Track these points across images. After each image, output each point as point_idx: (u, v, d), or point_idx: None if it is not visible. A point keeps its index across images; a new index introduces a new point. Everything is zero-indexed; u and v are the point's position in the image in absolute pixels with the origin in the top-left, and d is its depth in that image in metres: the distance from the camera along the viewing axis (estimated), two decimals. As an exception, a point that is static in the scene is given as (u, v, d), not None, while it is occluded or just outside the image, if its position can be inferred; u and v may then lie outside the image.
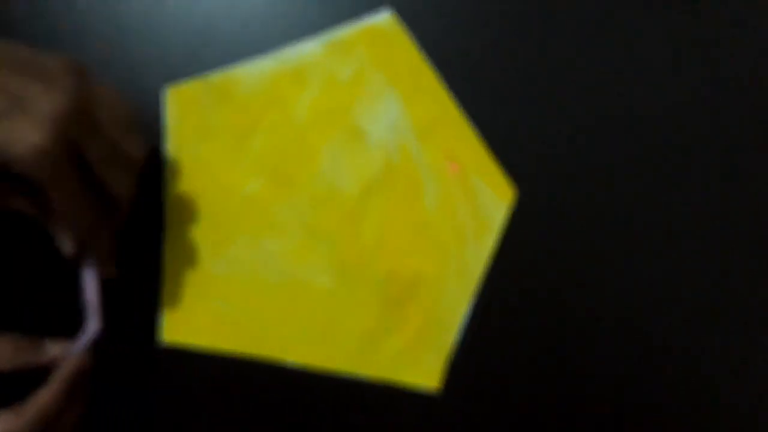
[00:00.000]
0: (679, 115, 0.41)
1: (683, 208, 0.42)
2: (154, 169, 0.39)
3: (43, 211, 0.33)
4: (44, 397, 0.33)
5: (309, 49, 0.40)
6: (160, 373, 0.40)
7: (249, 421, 0.41)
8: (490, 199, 0.41)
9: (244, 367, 0.40)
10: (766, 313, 0.42)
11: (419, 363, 0.41)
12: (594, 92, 0.41)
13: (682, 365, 0.42)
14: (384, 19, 0.40)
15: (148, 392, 0.40)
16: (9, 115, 0.27)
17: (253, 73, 0.40)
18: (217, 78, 0.40)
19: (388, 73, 0.40)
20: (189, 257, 0.40)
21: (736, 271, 0.42)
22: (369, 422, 0.41)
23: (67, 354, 0.34)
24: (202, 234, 0.40)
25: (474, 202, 0.41)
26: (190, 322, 0.40)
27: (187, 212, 0.40)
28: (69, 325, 0.39)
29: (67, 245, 0.33)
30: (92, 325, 0.36)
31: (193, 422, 0.41)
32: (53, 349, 0.35)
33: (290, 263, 0.40)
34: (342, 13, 0.40)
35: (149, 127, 0.39)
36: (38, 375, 0.35)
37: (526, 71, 0.41)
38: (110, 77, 0.39)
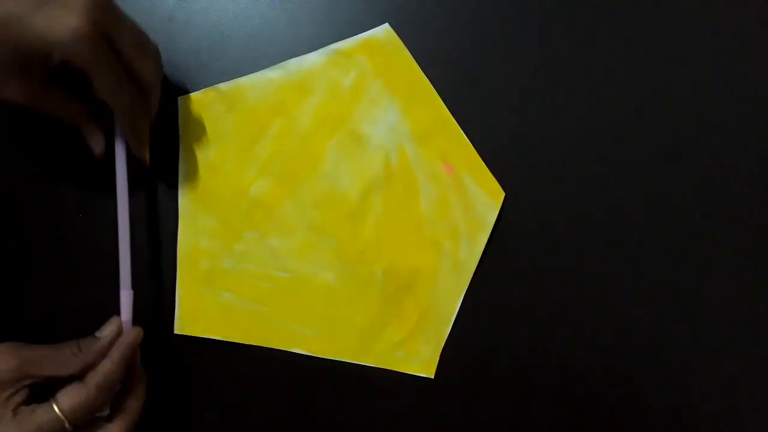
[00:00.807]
0: (665, 118, 0.42)
1: (666, 207, 0.42)
2: (168, 172, 0.41)
3: (80, 111, 0.36)
4: (105, 366, 0.34)
5: (313, 60, 0.41)
6: (175, 359, 0.42)
7: (258, 402, 0.42)
8: (482, 199, 0.41)
9: (253, 351, 0.41)
10: (750, 308, 0.43)
11: (416, 353, 0.42)
12: (580, 99, 0.42)
13: (663, 352, 0.43)
14: (383, 32, 0.41)
15: (164, 377, 0.41)
16: (47, 5, 0.30)
17: (260, 82, 0.40)
18: (227, 88, 0.40)
19: (387, 82, 0.41)
20: (200, 254, 0.41)
21: (720, 267, 0.43)
22: (369, 403, 0.42)
23: (119, 325, 0.36)
24: (213, 232, 0.41)
25: (467, 202, 0.41)
26: (202, 316, 0.41)
27: (199, 212, 0.41)
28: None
29: (99, 143, 0.36)
30: (125, 295, 0.37)
31: (207, 403, 0.42)
32: (108, 326, 0.36)
33: (295, 260, 0.41)
34: (344, 26, 0.41)
35: (163, 133, 0.40)
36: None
37: (516, 80, 0.42)
38: None
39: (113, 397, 0.35)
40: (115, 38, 0.32)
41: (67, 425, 0.33)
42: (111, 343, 0.35)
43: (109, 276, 0.40)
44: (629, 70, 0.42)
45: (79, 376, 0.34)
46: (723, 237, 0.43)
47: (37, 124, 0.40)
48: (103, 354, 0.35)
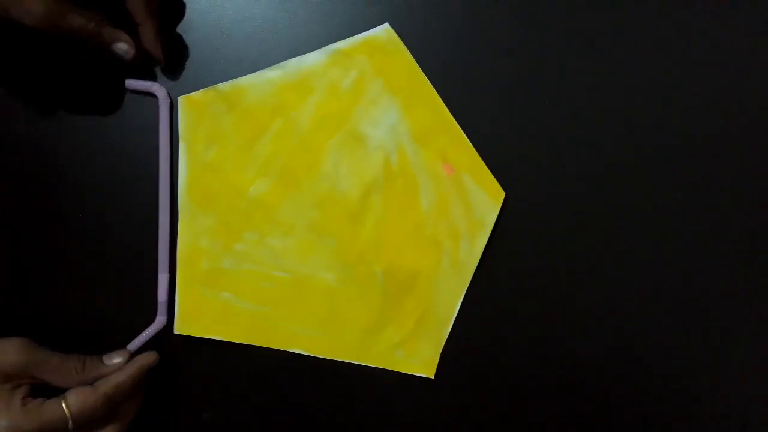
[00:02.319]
0: (662, 119, 0.42)
1: (667, 207, 0.42)
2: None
3: (100, 21, 0.37)
4: (118, 378, 0.36)
5: (313, 60, 0.41)
6: (175, 359, 0.41)
7: (258, 402, 0.42)
8: (482, 199, 0.41)
9: (253, 352, 0.42)
10: (746, 310, 0.43)
11: (416, 353, 0.42)
12: (580, 100, 0.42)
13: (664, 352, 0.43)
14: (383, 31, 0.41)
15: (164, 377, 0.41)
16: None
17: (260, 82, 0.40)
18: (227, 87, 0.40)
19: (387, 82, 0.41)
20: (200, 254, 0.41)
21: (721, 267, 0.43)
22: (369, 404, 0.43)
23: (128, 357, 0.38)
24: (213, 232, 0.41)
25: (467, 202, 0.42)
26: (202, 316, 0.41)
27: (199, 212, 0.41)
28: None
29: (128, 41, 0.37)
30: (161, 319, 0.40)
31: (207, 403, 0.42)
32: (118, 355, 0.37)
33: (295, 260, 0.41)
34: (344, 26, 0.41)
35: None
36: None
37: (517, 80, 0.42)
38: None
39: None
40: None
41: (70, 424, 0.34)
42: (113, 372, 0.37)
43: (109, 277, 0.41)
44: (629, 70, 0.42)
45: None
46: (723, 237, 0.43)
47: (37, 122, 0.41)
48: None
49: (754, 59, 0.42)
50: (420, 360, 0.42)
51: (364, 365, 0.42)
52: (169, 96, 0.40)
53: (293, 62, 0.41)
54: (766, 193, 0.43)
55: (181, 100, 0.40)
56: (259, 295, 0.41)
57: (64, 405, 0.34)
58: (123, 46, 0.37)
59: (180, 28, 0.41)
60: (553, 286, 0.42)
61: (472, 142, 0.41)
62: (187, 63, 0.41)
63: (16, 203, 0.41)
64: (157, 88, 0.40)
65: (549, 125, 0.42)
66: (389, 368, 0.42)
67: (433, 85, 0.41)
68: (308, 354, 0.42)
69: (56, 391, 0.35)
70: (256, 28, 0.41)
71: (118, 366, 0.37)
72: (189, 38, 0.41)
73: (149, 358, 0.38)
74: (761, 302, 0.43)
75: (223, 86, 0.40)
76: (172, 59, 0.40)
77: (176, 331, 0.41)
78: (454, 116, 0.41)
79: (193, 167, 0.41)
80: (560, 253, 0.42)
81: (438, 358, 0.42)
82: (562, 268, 0.42)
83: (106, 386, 0.35)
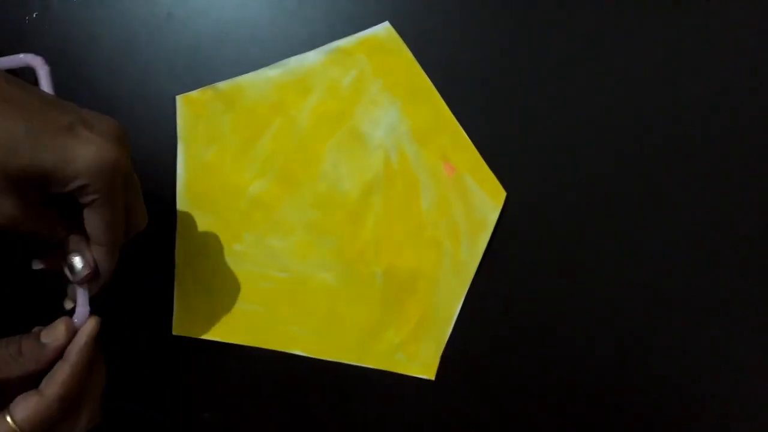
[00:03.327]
0: (662, 119, 0.42)
1: (667, 207, 0.42)
2: (166, 172, 0.41)
3: (68, 232, 0.31)
4: (63, 374, 0.30)
5: (312, 59, 0.41)
6: (174, 360, 0.42)
7: (258, 404, 0.42)
8: (483, 199, 0.41)
9: (252, 353, 0.41)
10: (745, 310, 0.43)
11: (417, 355, 0.42)
12: (580, 99, 0.42)
13: (664, 352, 0.43)
14: (383, 30, 0.41)
15: (163, 378, 0.41)
16: (77, 131, 0.28)
17: (259, 81, 0.40)
18: (226, 86, 0.40)
19: (387, 81, 0.41)
20: (199, 254, 0.41)
21: (722, 266, 0.43)
22: (369, 405, 0.42)
23: (70, 330, 0.32)
24: (211, 232, 0.41)
25: (468, 202, 0.41)
26: (200, 317, 0.41)
27: (198, 212, 0.41)
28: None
29: (82, 268, 0.31)
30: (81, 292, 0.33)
31: (207, 404, 0.42)
32: (55, 332, 0.31)
33: (294, 260, 0.41)
34: (344, 25, 0.41)
35: (162, 132, 0.40)
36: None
37: (517, 80, 0.42)
38: (124, 86, 0.40)
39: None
40: (127, 173, 0.30)
41: None
42: (56, 351, 0.31)
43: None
44: (630, 70, 0.42)
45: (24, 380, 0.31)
46: (724, 236, 0.43)
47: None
48: (48, 362, 0.31)
49: (754, 59, 0.42)
50: (420, 361, 0.42)
51: (364, 366, 0.42)
52: (47, 63, 0.34)
53: (293, 61, 0.41)
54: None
55: (180, 99, 0.40)
56: (258, 295, 0.41)
57: (10, 420, 0.29)
58: (79, 262, 0.31)
59: (180, 28, 0.41)
60: (554, 287, 0.42)
61: (473, 142, 0.41)
62: (186, 61, 0.41)
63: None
64: (31, 59, 0.34)
65: (549, 125, 0.42)
66: (389, 370, 0.42)
67: (433, 84, 0.41)
68: (308, 355, 0.41)
69: None
70: (256, 28, 0.41)
71: (60, 342, 0.31)
72: (188, 37, 0.41)
73: (89, 328, 0.32)
74: (763, 302, 0.43)
75: (221, 85, 0.40)
76: (170, 57, 0.40)
77: (174, 333, 0.41)
78: (455, 115, 0.41)
79: (192, 167, 0.41)
80: (561, 254, 0.42)
81: (439, 360, 0.42)
82: (563, 268, 0.42)
83: (53, 388, 0.30)
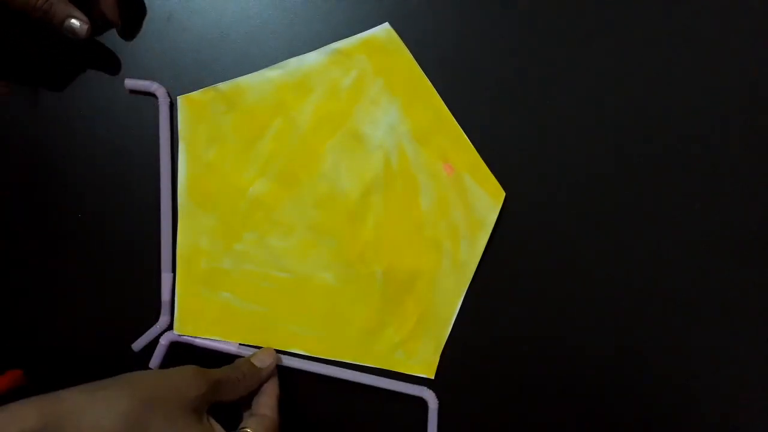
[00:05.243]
0: (662, 119, 0.42)
1: (667, 206, 0.42)
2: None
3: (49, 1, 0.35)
4: (275, 389, 0.37)
5: (312, 60, 0.41)
6: (174, 359, 0.41)
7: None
8: (482, 199, 0.41)
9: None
10: (743, 310, 0.43)
11: (416, 354, 0.42)
12: (579, 99, 0.42)
13: (664, 351, 0.43)
14: (383, 31, 0.41)
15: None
16: None
17: (260, 82, 0.40)
18: (227, 87, 0.40)
19: (387, 82, 0.41)
20: (200, 254, 0.41)
21: (721, 266, 0.43)
22: (369, 405, 0.42)
23: (275, 360, 0.39)
24: (212, 232, 0.41)
25: (467, 202, 0.41)
26: (201, 317, 0.41)
27: (199, 212, 0.41)
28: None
29: (80, 24, 0.36)
30: (164, 319, 0.40)
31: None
32: (266, 357, 0.39)
33: (295, 260, 0.41)
34: (344, 26, 0.41)
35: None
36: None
37: (517, 80, 0.42)
38: (126, 87, 0.40)
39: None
40: None
41: None
42: (271, 372, 0.38)
43: (109, 277, 0.41)
44: (629, 70, 0.42)
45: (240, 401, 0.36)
46: (725, 236, 0.43)
47: (37, 122, 0.41)
48: (263, 382, 0.38)
49: (754, 59, 0.42)
50: (420, 360, 0.42)
51: (364, 365, 0.42)
52: (169, 95, 0.40)
53: (293, 62, 0.41)
54: (767, 193, 0.43)
55: (181, 100, 0.40)
56: (259, 295, 0.41)
57: None
58: (75, 23, 0.36)
59: (180, 28, 0.41)
60: (554, 286, 0.42)
61: (472, 142, 0.41)
62: (187, 62, 0.41)
63: (16, 203, 0.41)
64: (156, 88, 0.40)
65: (549, 125, 0.42)
66: (389, 369, 0.42)
67: (433, 84, 0.41)
68: (308, 354, 0.42)
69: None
70: (256, 28, 0.41)
71: (273, 367, 0.38)
72: (189, 38, 0.41)
73: (273, 355, 0.39)
74: (763, 303, 0.43)
75: (222, 86, 0.40)
76: (171, 59, 0.40)
77: (175, 331, 0.41)
78: (454, 116, 0.41)
79: (193, 167, 0.41)
80: (561, 253, 0.42)
81: (438, 359, 0.42)
82: (563, 268, 0.42)
83: (272, 406, 0.36)
